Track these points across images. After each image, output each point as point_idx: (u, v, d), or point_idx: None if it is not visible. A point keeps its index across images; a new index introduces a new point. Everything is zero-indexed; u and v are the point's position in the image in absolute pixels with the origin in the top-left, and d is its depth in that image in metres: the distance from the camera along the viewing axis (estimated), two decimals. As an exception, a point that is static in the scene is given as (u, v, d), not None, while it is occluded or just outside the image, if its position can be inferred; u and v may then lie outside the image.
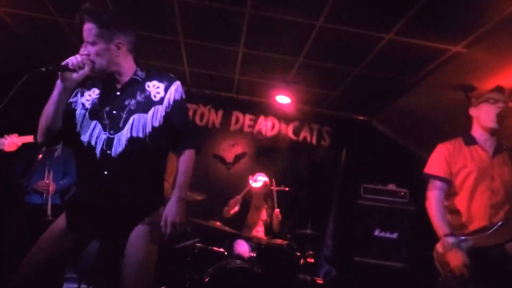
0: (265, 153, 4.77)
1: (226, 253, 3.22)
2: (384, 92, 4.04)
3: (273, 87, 4.34)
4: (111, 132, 1.57)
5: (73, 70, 1.52)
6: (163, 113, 1.63)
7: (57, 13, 3.31)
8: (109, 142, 1.56)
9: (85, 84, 1.70)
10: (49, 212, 3.33)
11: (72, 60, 1.51)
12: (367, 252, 3.60)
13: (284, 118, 4.90)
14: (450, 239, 1.94)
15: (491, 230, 1.93)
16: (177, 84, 1.69)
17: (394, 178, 3.97)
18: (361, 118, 4.93)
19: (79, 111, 1.65)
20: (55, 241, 1.55)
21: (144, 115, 1.59)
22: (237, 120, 4.90)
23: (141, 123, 1.58)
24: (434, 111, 3.75)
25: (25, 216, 3.40)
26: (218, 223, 3.26)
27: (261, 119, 4.90)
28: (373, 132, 4.89)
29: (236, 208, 3.65)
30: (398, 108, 4.25)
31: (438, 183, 2.14)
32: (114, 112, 1.59)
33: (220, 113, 4.87)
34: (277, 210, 3.63)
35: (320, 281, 3.34)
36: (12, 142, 2.37)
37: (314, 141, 4.89)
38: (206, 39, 3.51)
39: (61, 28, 3.55)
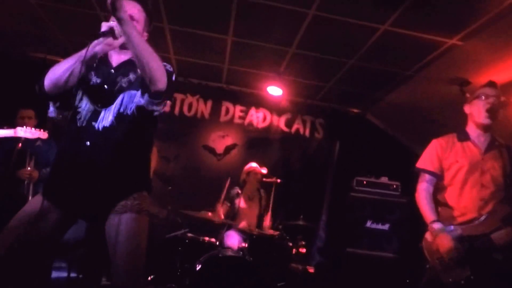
0: (257, 144, 4.86)
1: (217, 243, 3.31)
2: (378, 84, 4.14)
3: (264, 78, 4.39)
4: (99, 105, 1.62)
5: (115, 38, 1.59)
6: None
7: None
8: (95, 114, 1.61)
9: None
10: (30, 198, 3.30)
11: (118, 27, 1.56)
12: (359, 243, 3.75)
13: (276, 109, 4.98)
14: (437, 225, 2.09)
15: (479, 221, 2.07)
16: (169, 68, 1.70)
17: (386, 171, 4.13)
18: (355, 111, 5.04)
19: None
20: (29, 221, 1.53)
21: (134, 92, 1.63)
22: (227, 111, 4.96)
23: (130, 101, 1.63)
24: (428, 105, 3.89)
25: (7, 207, 3.40)
26: (209, 214, 3.35)
27: (252, 110, 4.97)
28: (367, 125, 5.02)
29: (223, 209, 3.75)
30: (392, 101, 4.37)
31: (427, 177, 2.29)
32: (105, 86, 1.65)
33: (209, 103, 4.92)
34: (269, 214, 3.76)
35: (311, 270, 3.48)
36: None
37: (307, 133, 5.00)
38: (192, 25, 3.50)
39: (30, 7, 3.47)
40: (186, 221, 3.56)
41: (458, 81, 3.27)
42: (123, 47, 1.66)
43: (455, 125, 2.35)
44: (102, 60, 1.72)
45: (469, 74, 3.22)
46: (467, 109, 2.31)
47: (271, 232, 3.36)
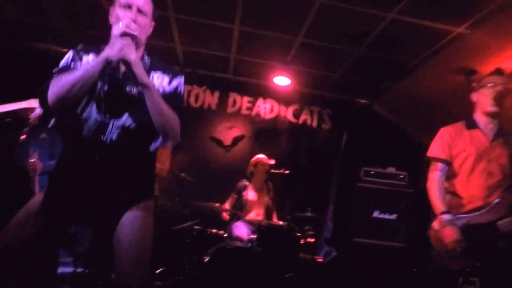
0: (264, 136, 4.89)
1: (225, 235, 3.39)
2: (385, 74, 4.16)
3: (272, 68, 4.40)
4: (107, 116, 1.57)
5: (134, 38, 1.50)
6: None
7: None
8: (102, 126, 1.56)
9: (77, 46, 1.66)
10: (36, 190, 3.28)
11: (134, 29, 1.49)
12: (366, 233, 3.84)
13: (283, 100, 5.01)
14: (446, 216, 2.16)
15: (485, 209, 2.13)
16: (180, 79, 1.71)
17: (393, 161, 4.18)
18: (362, 101, 5.06)
19: None
20: (30, 222, 1.53)
21: (143, 106, 1.53)
22: (235, 102, 4.99)
23: (139, 114, 1.57)
24: (435, 95, 3.90)
25: (11, 199, 3.34)
26: (216, 205, 3.43)
27: (260, 101, 5.00)
28: (374, 115, 5.04)
29: (230, 202, 3.84)
30: (399, 91, 4.38)
31: (439, 165, 2.33)
32: (113, 95, 1.57)
33: (216, 94, 4.95)
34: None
35: (320, 260, 3.57)
36: None
37: (314, 124, 5.04)
38: (199, 14, 3.50)
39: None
40: (194, 213, 3.64)
41: (464, 71, 3.29)
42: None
43: (462, 114, 2.39)
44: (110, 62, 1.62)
45: (476, 63, 3.23)
46: (474, 97, 2.35)
47: (279, 222, 3.44)
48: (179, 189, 3.71)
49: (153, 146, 1.66)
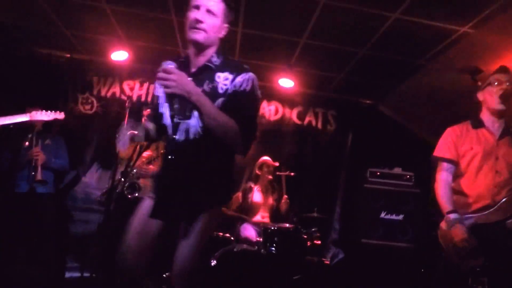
0: (269, 138, 4.87)
1: (232, 238, 3.40)
2: (390, 74, 4.17)
3: (276, 70, 4.41)
4: (180, 117, 1.65)
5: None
6: (221, 104, 1.63)
7: None
8: (176, 127, 1.66)
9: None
10: (39, 177, 3.34)
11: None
12: (373, 234, 3.85)
13: (287, 102, 5.02)
14: (453, 216, 2.16)
15: (493, 208, 2.14)
16: (245, 75, 1.66)
17: (400, 162, 4.19)
18: (367, 101, 5.07)
19: (157, 91, 1.78)
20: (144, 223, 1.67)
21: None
22: (239, 104, 5.00)
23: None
24: (440, 94, 3.91)
25: (15, 204, 3.41)
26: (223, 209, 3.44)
27: (264, 103, 5.01)
28: (379, 116, 5.05)
29: (235, 204, 3.86)
30: (404, 91, 4.40)
31: (446, 165, 2.34)
32: (181, 97, 1.61)
33: (221, 96, 4.97)
34: (285, 197, 3.84)
35: (327, 262, 3.57)
36: None
37: (319, 126, 5.05)
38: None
39: (35, 2, 3.50)
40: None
41: (470, 70, 3.30)
42: (200, 48, 1.68)
43: (468, 113, 2.40)
44: (183, 63, 1.73)
45: (481, 62, 3.24)
46: (480, 96, 2.36)
47: (286, 225, 3.45)
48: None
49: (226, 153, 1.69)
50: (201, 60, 1.71)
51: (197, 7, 1.65)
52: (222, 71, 1.68)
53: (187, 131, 1.64)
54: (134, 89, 4.80)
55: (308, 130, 5.01)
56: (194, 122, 1.63)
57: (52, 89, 4.44)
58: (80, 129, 4.51)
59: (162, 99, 1.74)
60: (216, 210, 1.71)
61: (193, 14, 1.64)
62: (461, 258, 2.09)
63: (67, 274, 3.95)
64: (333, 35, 3.57)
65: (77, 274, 3.79)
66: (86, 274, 3.55)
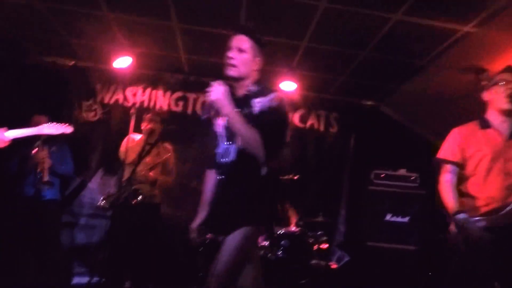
0: (272, 141, 4.86)
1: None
2: (392, 75, 4.12)
3: (278, 73, 4.39)
4: (229, 142, 1.87)
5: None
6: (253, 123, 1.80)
7: None
8: (226, 151, 1.88)
9: None
10: (46, 178, 3.38)
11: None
12: (379, 237, 3.76)
13: (290, 105, 4.99)
14: (461, 215, 2.09)
15: (504, 211, 2.06)
16: (271, 95, 1.84)
17: (404, 163, 4.11)
18: (369, 103, 5.01)
19: (217, 127, 2.00)
20: None
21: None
22: (241, 108, 4.97)
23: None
24: (443, 94, 3.84)
25: (26, 214, 3.46)
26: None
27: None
28: (381, 117, 4.98)
29: None
30: (406, 92, 4.34)
31: (449, 167, 2.27)
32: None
33: (223, 101, 4.93)
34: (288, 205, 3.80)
35: (334, 266, 3.51)
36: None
37: (322, 128, 4.98)
38: (202, 23, 3.50)
39: (38, 11, 3.53)
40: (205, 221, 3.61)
41: (473, 69, 3.24)
42: (236, 81, 1.90)
43: (473, 113, 2.33)
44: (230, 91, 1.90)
45: (485, 61, 3.17)
46: (486, 96, 2.30)
47: (292, 229, 3.39)
48: (191, 198, 3.70)
49: (263, 170, 1.81)
50: (240, 91, 1.93)
51: (230, 47, 1.92)
52: (257, 97, 1.87)
53: (231, 154, 1.86)
54: (137, 95, 4.77)
55: (310, 133, 4.94)
56: (236, 144, 1.84)
57: (57, 96, 4.45)
58: (85, 136, 4.49)
59: (221, 133, 1.94)
60: (253, 228, 1.78)
61: (227, 54, 1.91)
62: (474, 258, 2.01)
63: (75, 280, 3.95)
64: (334, 37, 3.53)
65: (85, 279, 3.76)
66: (94, 279, 3.53)
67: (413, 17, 3.03)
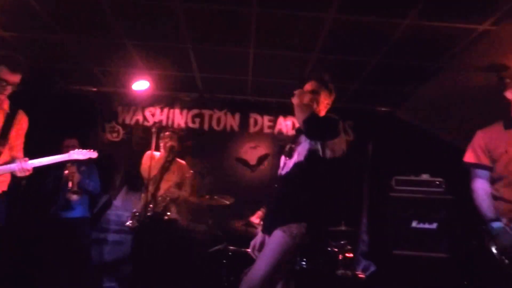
0: (288, 153, 4.75)
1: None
2: (407, 80, 3.93)
3: (289, 85, 4.31)
4: (288, 158, 2.17)
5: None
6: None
7: (62, 31, 3.40)
8: (284, 166, 2.17)
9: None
10: (75, 188, 3.57)
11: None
12: (406, 245, 3.48)
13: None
14: (496, 224, 1.92)
15: None
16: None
17: (426, 167, 3.85)
18: (384, 109, 4.82)
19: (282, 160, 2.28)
20: None
21: (305, 143, 2.11)
22: (256, 122, 4.88)
23: (303, 149, 2.10)
24: (464, 95, 3.60)
25: (59, 231, 3.59)
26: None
27: (280, 119, 4.85)
28: (398, 122, 4.76)
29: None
30: (424, 96, 4.12)
31: (479, 172, 2.10)
32: (292, 146, 2.20)
33: (237, 116, 4.87)
34: None
35: (362, 276, 3.31)
36: (22, 168, 2.39)
37: (337, 137, 4.84)
38: (214, 43, 3.49)
39: (66, 45, 3.67)
40: (227, 233, 3.56)
41: (495, 68, 3.03)
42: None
43: (496, 112, 2.15)
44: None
45: (507, 59, 2.97)
46: (509, 94, 2.11)
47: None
48: (211, 211, 3.66)
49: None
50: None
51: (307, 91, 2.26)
52: None
53: (287, 167, 2.14)
54: (155, 115, 4.86)
55: (326, 142, 4.80)
56: (292, 160, 2.12)
57: (84, 120, 4.64)
58: (109, 156, 4.59)
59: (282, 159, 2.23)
60: (291, 227, 1.90)
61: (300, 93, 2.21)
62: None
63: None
64: (345, 46, 3.40)
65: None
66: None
67: (425, 20, 2.86)
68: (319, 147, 2.03)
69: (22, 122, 2.53)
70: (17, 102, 2.52)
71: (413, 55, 3.43)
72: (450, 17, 2.81)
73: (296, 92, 2.17)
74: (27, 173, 2.43)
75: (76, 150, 2.82)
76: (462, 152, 2.24)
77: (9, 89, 2.38)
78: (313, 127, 2.02)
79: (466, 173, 2.21)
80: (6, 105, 2.45)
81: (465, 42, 3.07)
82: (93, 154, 2.91)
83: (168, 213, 3.47)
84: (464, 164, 2.18)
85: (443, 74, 3.59)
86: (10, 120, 2.44)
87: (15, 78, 2.37)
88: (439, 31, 2.96)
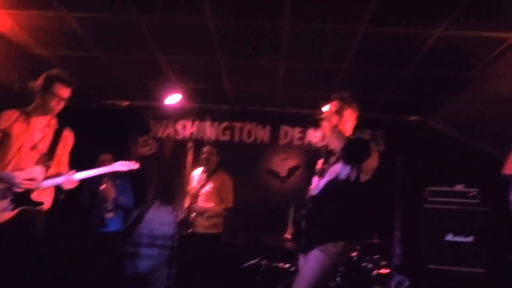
0: (319, 165, 4.77)
1: (293, 269, 3.23)
2: (438, 89, 3.89)
3: (319, 97, 4.36)
4: (320, 178, 2.32)
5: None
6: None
7: (98, 48, 3.58)
8: (317, 186, 2.30)
9: None
10: (110, 207, 3.69)
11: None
12: (441, 259, 3.42)
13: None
14: None
15: None
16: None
17: (460, 178, 3.79)
18: (415, 118, 4.77)
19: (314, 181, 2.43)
20: None
21: (337, 164, 2.27)
22: (286, 134, 4.94)
23: (335, 169, 2.26)
24: (500, 103, 3.54)
25: (98, 246, 3.71)
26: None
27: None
28: (430, 132, 4.70)
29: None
30: (457, 105, 4.06)
31: None
32: (325, 166, 2.36)
33: (268, 128, 4.94)
34: None
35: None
36: (69, 180, 2.51)
37: (368, 148, 4.82)
38: (246, 56, 3.58)
39: (102, 62, 3.83)
40: (259, 247, 3.59)
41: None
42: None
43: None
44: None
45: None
46: None
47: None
48: (243, 225, 3.68)
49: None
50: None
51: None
52: None
53: (319, 187, 2.26)
54: (187, 128, 4.98)
55: (357, 153, 4.79)
56: (324, 180, 2.27)
57: (117, 135, 4.76)
58: (142, 170, 4.70)
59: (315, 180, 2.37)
60: (329, 246, 2.03)
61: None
62: None
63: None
64: (376, 58, 3.42)
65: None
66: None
67: (457, 30, 2.85)
68: (353, 169, 2.19)
69: (68, 138, 2.69)
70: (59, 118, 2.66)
71: (444, 65, 3.41)
72: (483, 27, 2.79)
73: (324, 116, 2.33)
74: (74, 185, 2.56)
75: (119, 161, 2.90)
76: (497, 161, 2.23)
77: (62, 105, 2.55)
78: (350, 154, 2.18)
79: (501, 183, 2.20)
80: (54, 121, 2.63)
81: (499, 50, 3.03)
82: (134, 165, 2.99)
83: (191, 229, 3.56)
84: (505, 176, 2.18)
85: (477, 83, 3.54)
86: (57, 136, 2.59)
87: (68, 92, 2.55)
88: (471, 41, 2.94)
